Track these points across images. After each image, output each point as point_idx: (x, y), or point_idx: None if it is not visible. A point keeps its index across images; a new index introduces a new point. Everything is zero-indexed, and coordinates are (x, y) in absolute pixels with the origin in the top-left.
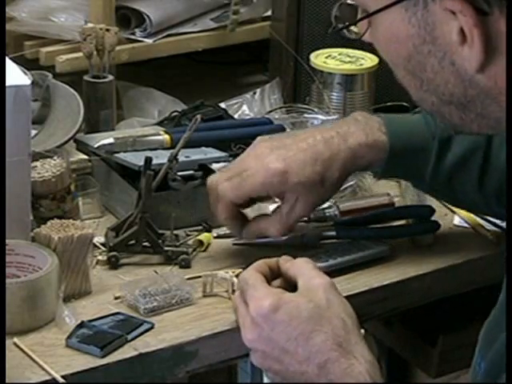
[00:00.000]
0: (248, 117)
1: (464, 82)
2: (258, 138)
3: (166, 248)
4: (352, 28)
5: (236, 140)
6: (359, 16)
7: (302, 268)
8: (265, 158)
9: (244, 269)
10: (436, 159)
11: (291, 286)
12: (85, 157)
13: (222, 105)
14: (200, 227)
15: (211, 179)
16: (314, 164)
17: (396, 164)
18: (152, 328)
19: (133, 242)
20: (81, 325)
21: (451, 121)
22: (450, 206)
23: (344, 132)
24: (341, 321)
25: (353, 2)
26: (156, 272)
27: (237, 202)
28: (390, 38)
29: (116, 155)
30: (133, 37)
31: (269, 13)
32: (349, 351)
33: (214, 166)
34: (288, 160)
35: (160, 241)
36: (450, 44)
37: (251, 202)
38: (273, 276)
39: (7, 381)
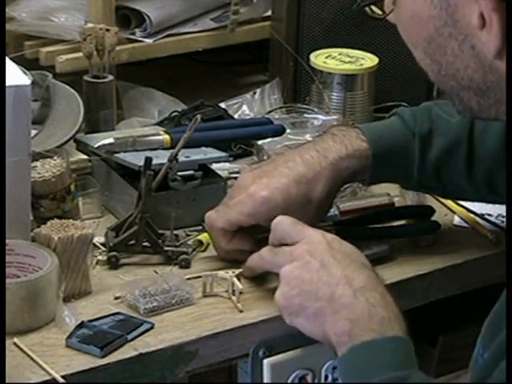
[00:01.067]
0: (248, 117)
1: (484, 68)
2: (242, 170)
3: (166, 248)
4: (375, 9)
5: (236, 140)
6: None
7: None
8: (248, 189)
9: None
10: (420, 155)
11: None
12: (85, 157)
13: (222, 105)
14: (200, 227)
15: (207, 216)
16: (297, 186)
17: (382, 168)
18: (152, 328)
19: (133, 242)
20: (81, 325)
21: (469, 105)
22: (450, 206)
23: (323, 149)
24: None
25: None
26: (156, 272)
27: (228, 228)
28: (412, 17)
29: (116, 155)
30: (133, 37)
31: (269, 13)
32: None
33: (214, 166)
34: (271, 186)
35: (160, 241)
36: (471, 27)
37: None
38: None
39: (7, 381)
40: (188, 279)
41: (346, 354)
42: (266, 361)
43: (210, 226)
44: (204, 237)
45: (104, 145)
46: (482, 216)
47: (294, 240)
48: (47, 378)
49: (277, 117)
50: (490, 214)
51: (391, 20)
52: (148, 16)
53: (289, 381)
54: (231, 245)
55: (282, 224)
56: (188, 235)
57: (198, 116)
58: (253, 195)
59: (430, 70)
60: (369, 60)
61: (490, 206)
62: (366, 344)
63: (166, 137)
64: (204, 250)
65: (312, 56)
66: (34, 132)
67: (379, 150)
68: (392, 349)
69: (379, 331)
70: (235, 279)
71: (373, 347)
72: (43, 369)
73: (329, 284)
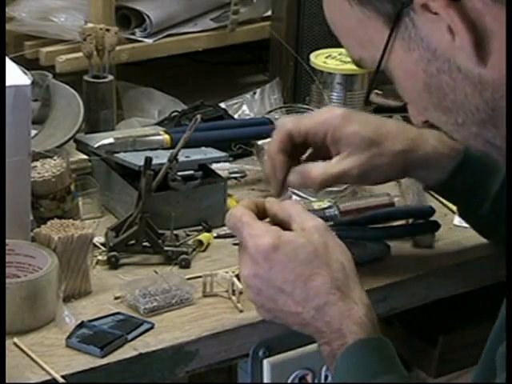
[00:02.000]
0: (248, 117)
1: (476, 87)
2: None
3: (166, 248)
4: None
5: (236, 140)
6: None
7: (293, 210)
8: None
9: None
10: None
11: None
12: (85, 157)
13: (222, 105)
14: (200, 227)
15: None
16: (378, 126)
17: (467, 168)
18: (152, 328)
19: (133, 242)
20: (81, 325)
21: (497, 143)
22: (450, 206)
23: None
24: (339, 264)
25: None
26: (156, 272)
27: (293, 133)
28: (404, 75)
29: (116, 155)
30: (133, 37)
31: (269, 13)
32: (348, 295)
33: (214, 166)
34: (354, 113)
35: (160, 241)
36: (447, 47)
37: (302, 150)
38: (259, 217)
39: (7, 381)
40: (188, 279)
41: (333, 371)
42: (265, 361)
43: (278, 126)
44: (204, 237)
45: (104, 145)
46: None
47: (240, 239)
48: (47, 377)
49: (277, 117)
50: None
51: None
52: (148, 16)
53: (289, 381)
54: (279, 156)
55: (233, 211)
56: (188, 235)
57: (198, 116)
58: (333, 109)
59: (452, 129)
60: None
61: None
62: (340, 358)
63: (166, 137)
64: (204, 250)
65: (312, 56)
66: (34, 132)
67: (471, 152)
68: (358, 355)
69: (348, 342)
70: (235, 279)
71: (346, 358)
72: (43, 369)
73: (291, 314)
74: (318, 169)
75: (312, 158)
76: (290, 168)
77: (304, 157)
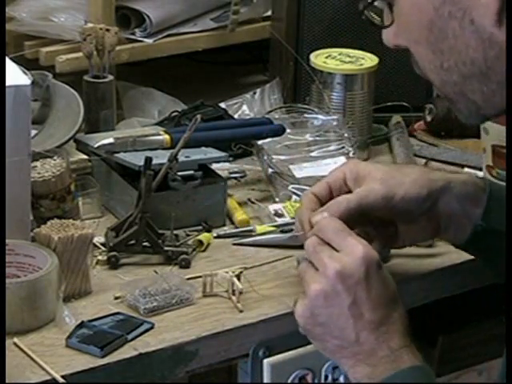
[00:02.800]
0: (248, 117)
1: (484, 42)
2: None
3: (166, 248)
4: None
5: (236, 140)
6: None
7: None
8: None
9: (245, 269)
10: None
11: None
12: (85, 157)
13: (222, 105)
14: (200, 227)
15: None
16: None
17: (496, 203)
18: (152, 328)
19: (133, 242)
20: (81, 325)
21: (474, 100)
22: None
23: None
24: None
25: None
26: (156, 272)
27: (317, 191)
28: (411, 6)
29: (116, 155)
30: (133, 37)
31: (269, 13)
32: (408, 333)
33: (214, 166)
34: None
35: (160, 241)
36: None
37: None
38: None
39: (7, 381)
40: (188, 279)
41: None
42: (265, 361)
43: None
44: (204, 237)
45: (104, 145)
46: None
47: (335, 246)
48: (47, 377)
49: (277, 117)
50: None
51: (388, 20)
52: (148, 16)
53: (289, 381)
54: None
55: (327, 225)
56: (188, 235)
57: (198, 116)
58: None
59: (433, 71)
60: (369, 60)
61: None
62: (390, 378)
63: (166, 137)
64: (204, 250)
65: (312, 56)
66: (34, 132)
67: (496, 189)
68: (413, 377)
69: (403, 366)
70: (235, 279)
71: (397, 378)
72: (43, 369)
73: (355, 326)
74: (343, 196)
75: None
76: None
77: None
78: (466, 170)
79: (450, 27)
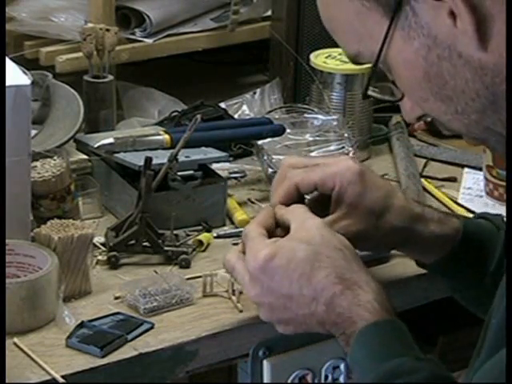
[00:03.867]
0: (248, 117)
1: (477, 71)
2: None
3: (166, 248)
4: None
5: (236, 140)
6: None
7: (295, 212)
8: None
9: None
10: (502, 249)
11: (288, 232)
12: (85, 157)
13: (222, 105)
14: (200, 227)
15: (287, 159)
16: (386, 195)
17: (470, 242)
18: (152, 328)
19: (133, 242)
20: (81, 325)
21: (499, 132)
22: (450, 206)
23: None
24: (339, 252)
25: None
26: (156, 272)
27: (301, 186)
28: (403, 66)
29: (116, 155)
30: (133, 37)
31: (269, 13)
32: (353, 282)
33: (214, 166)
34: (367, 173)
35: (160, 241)
36: (448, 34)
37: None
38: (276, 226)
39: (7, 381)
40: (188, 279)
41: (348, 359)
42: (265, 361)
43: (286, 174)
44: (204, 237)
45: (104, 145)
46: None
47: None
48: (47, 377)
49: (277, 117)
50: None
51: (398, 95)
52: (148, 16)
53: (289, 381)
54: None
55: (245, 229)
56: (188, 235)
57: (198, 116)
58: (348, 162)
59: (452, 119)
60: None
61: (490, 206)
62: (353, 345)
63: (166, 137)
64: (204, 250)
65: (312, 56)
66: (34, 132)
67: (471, 227)
68: (374, 338)
69: (359, 327)
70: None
71: (361, 342)
72: (43, 369)
73: (306, 316)
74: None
75: (314, 203)
76: None
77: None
78: (466, 169)
79: (444, 70)
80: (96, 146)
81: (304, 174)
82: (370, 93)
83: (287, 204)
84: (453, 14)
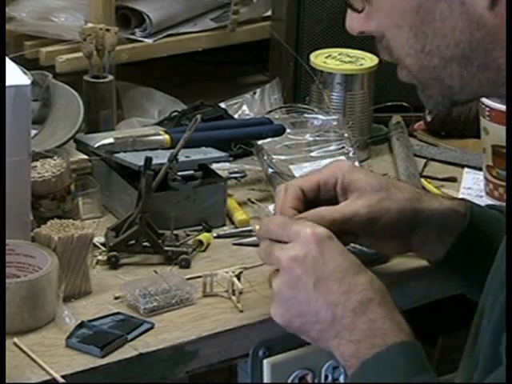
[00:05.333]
0: (248, 117)
1: (472, 24)
2: None
3: (166, 248)
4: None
5: (236, 140)
6: None
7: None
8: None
9: (244, 269)
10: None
11: None
12: (85, 157)
13: (222, 105)
14: (200, 227)
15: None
16: (385, 178)
17: (475, 230)
18: (152, 328)
19: (133, 242)
20: (81, 325)
21: (450, 85)
22: None
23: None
24: (372, 275)
25: None
26: (156, 272)
27: (304, 188)
28: None
29: (116, 155)
30: (133, 37)
31: (269, 13)
32: (387, 299)
33: (214, 166)
34: (360, 167)
35: (160, 241)
36: None
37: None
38: None
39: (7, 381)
40: (188, 279)
41: (357, 371)
42: (265, 361)
43: (286, 185)
44: (204, 237)
45: (104, 145)
46: None
47: (284, 240)
48: (47, 377)
49: (277, 117)
50: None
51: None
52: (148, 16)
53: (289, 381)
54: (290, 211)
55: (271, 224)
56: (188, 235)
57: (198, 116)
58: (339, 162)
59: (413, 54)
60: (369, 60)
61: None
62: (375, 357)
63: (166, 137)
64: (204, 250)
65: (312, 56)
66: (34, 132)
67: (476, 210)
68: (401, 355)
69: (384, 345)
70: (235, 279)
71: (383, 358)
72: (43, 369)
73: (328, 305)
74: (327, 209)
75: None
76: None
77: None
78: (466, 169)
79: (438, 9)
80: (96, 146)
81: (304, 177)
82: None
83: (298, 210)
84: None
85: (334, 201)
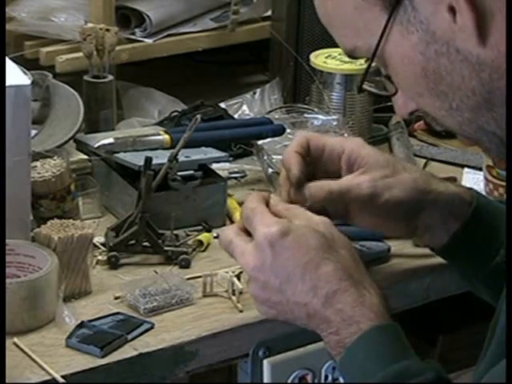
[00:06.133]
0: (248, 117)
1: (474, 67)
2: None
3: (166, 248)
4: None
5: (236, 140)
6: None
7: (298, 210)
8: None
9: None
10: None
11: None
12: (85, 157)
13: (222, 105)
14: (200, 227)
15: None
16: (392, 156)
17: (480, 218)
18: (152, 328)
19: (133, 242)
20: (81, 325)
21: (493, 131)
22: None
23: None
24: (349, 251)
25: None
26: (156, 272)
27: (312, 143)
28: (402, 61)
29: (116, 155)
30: (133, 37)
31: (269, 13)
32: (359, 282)
33: (214, 166)
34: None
35: (160, 241)
36: (447, 29)
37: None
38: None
39: (7, 381)
40: (188, 279)
41: (343, 358)
42: (265, 361)
43: (297, 134)
44: (204, 237)
45: (104, 145)
46: None
47: (251, 229)
48: (47, 377)
49: (277, 117)
50: None
51: (392, 89)
52: (148, 16)
53: (289, 381)
54: (295, 156)
55: (248, 203)
56: (188, 235)
57: (198, 116)
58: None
59: (446, 115)
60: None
61: None
62: (355, 344)
63: (166, 137)
64: (204, 250)
65: (312, 56)
66: (34, 132)
67: (482, 200)
68: (380, 337)
69: (361, 331)
70: (235, 279)
71: (362, 344)
72: (43, 369)
73: (298, 305)
74: (331, 182)
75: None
76: (304, 170)
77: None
78: (466, 169)
79: (441, 66)
80: (96, 146)
81: (316, 134)
82: (364, 87)
83: (301, 156)
84: (452, 10)
85: (336, 176)
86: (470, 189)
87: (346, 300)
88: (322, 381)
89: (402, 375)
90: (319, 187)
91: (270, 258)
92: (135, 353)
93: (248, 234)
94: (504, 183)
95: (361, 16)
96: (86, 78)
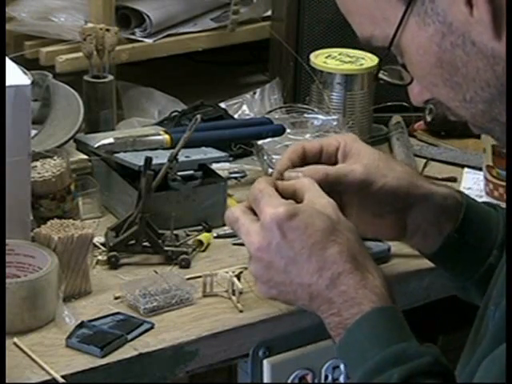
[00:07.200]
0: (248, 117)
1: (489, 60)
2: None
3: (166, 248)
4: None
5: (236, 140)
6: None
7: (306, 184)
8: None
9: (244, 269)
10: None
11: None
12: (85, 157)
13: (222, 105)
14: (200, 227)
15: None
16: (386, 155)
17: (472, 218)
18: (152, 328)
19: (133, 242)
20: (81, 325)
21: (501, 121)
22: None
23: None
24: (353, 234)
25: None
26: (156, 272)
27: (307, 147)
28: (416, 51)
29: (116, 155)
30: (133, 37)
31: (269, 13)
32: (363, 265)
33: (214, 166)
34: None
35: (160, 241)
36: (463, 22)
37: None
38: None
39: (7, 381)
40: (188, 279)
41: (343, 339)
42: (265, 361)
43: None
44: (204, 237)
45: (104, 145)
46: None
47: (258, 209)
48: (47, 377)
49: (277, 117)
50: None
51: (407, 78)
52: (148, 16)
53: (289, 381)
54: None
55: (256, 184)
56: (188, 235)
57: (198, 116)
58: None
59: (459, 106)
60: (369, 60)
61: None
62: (356, 325)
63: (166, 137)
64: (204, 250)
65: (312, 56)
66: (34, 132)
67: (471, 203)
68: (379, 319)
69: (362, 312)
70: (235, 279)
71: (362, 326)
72: (43, 369)
73: (302, 286)
74: (327, 166)
75: None
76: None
77: None
78: (466, 169)
79: (456, 57)
80: (96, 146)
81: (310, 140)
82: (380, 75)
83: (294, 165)
84: (469, 3)
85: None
86: (458, 191)
87: (350, 282)
88: (322, 381)
89: (400, 357)
90: (315, 169)
91: (277, 238)
92: (135, 353)
93: (254, 213)
94: (504, 183)
95: (378, 5)
96: (85, 78)
